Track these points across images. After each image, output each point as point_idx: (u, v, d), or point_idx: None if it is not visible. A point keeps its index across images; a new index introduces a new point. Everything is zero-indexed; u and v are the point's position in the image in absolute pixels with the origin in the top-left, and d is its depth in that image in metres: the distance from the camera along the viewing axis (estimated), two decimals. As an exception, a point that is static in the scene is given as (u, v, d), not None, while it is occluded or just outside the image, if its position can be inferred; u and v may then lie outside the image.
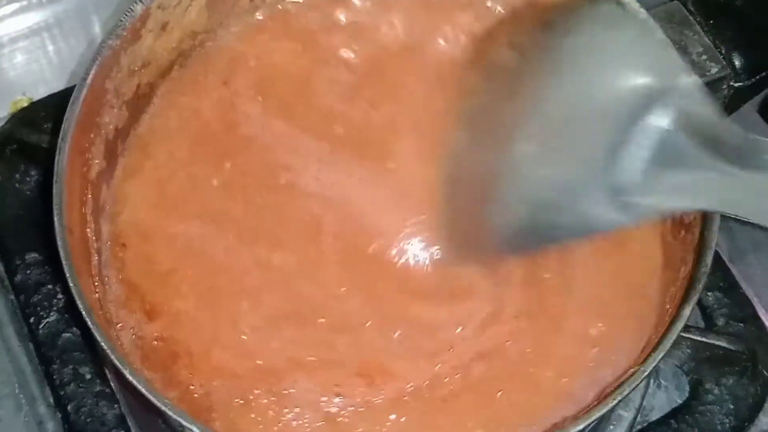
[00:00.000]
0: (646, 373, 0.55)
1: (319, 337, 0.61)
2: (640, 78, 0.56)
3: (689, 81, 0.55)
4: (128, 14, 0.62)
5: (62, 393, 0.69)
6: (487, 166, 0.62)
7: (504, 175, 0.61)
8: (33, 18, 0.87)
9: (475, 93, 0.66)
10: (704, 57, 0.68)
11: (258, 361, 0.60)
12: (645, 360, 0.55)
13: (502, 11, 0.70)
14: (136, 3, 0.62)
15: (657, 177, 0.55)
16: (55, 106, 0.72)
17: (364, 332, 0.62)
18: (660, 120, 0.55)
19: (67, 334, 0.70)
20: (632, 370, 0.56)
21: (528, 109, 0.60)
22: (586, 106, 0.58)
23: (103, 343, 0.53)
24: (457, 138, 0.66)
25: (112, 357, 0.53)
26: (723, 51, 0.68)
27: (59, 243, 0.55)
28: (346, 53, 0.70)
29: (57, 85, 0.84)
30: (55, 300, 0.71)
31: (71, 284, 0.54)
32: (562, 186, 0.58)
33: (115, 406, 0.68)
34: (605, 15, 0.61)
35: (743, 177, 0.53)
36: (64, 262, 0.54)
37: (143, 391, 0.52)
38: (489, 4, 0.71)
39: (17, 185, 0.75)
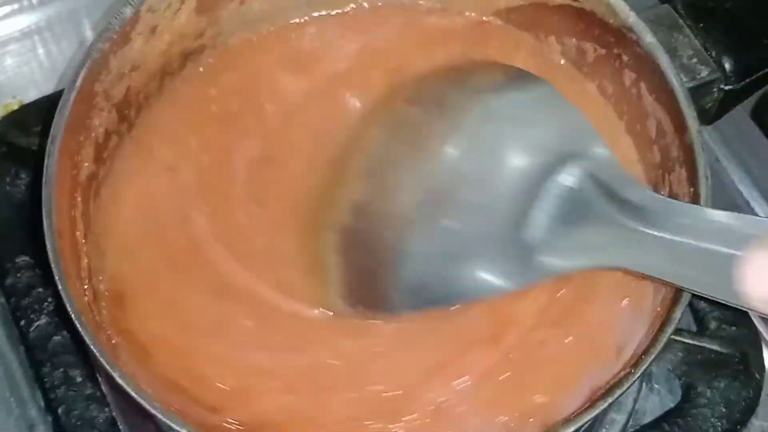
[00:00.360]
0: (637, 376, 0.55)
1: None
2: (550, 139, 0.58)
3: (600, 149, 0.57)
4: (118, 17, 0.61)
5: (53, 396, 0.69)
6: (388, 220, 0.61)
7: (406, 229, 0.60)
8: (24, 21, 0.87)
9: (375, 147, 0.64)
10: (694, 60, 0.68)
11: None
12: (636, 363, 0.55)
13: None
14: (125, 6, 0.62)
15: (566, 235, 0.56)
16: (45, 109, 0.72)
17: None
18: (567, 178, 0.56)
19: (58, 337, 0.70)
20: (623, 373, 0.55)
21: (433, 165, 0.60)
22: (494, 163, 0.59)
23: (92, 347, 0.53)
24: (360, 188, 0.63)
25: (102, 360, 0.53)
26: (713, 54, 0.68)
27: (48, 247, 0.55)
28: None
29: (48, 88, 0.84)
30: (45, 303, 0.71)
31: (60, 288, 0.54)
32: (468, 241, 0.58)
33: (106, 409, 0.68)
34: (515, 77, 0.62)
35: (655, 238, 0.54)
36: (53, 266, 0.54)
37: (133, 394, 0.52)
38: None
39: (7, 188, 0.75)
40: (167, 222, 0.64)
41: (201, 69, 0.69)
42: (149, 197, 0.64)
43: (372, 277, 0.61)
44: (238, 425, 0.58)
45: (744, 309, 0.53)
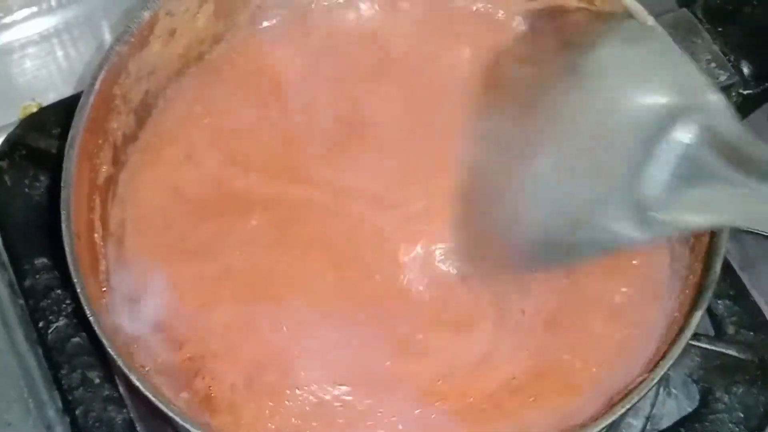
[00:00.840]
0: (655, 381, 0.54)
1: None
2: (664, 94, 0.56)
3: (714, 97, 0.55)
4: (136, 20, 0.62)
5: (70, 398, 0.69)
6: (507, 182, 0.62)
7: (525, 190, 0.61)
8: (43, 24, 0.88)
9: (493, 109, 0.66)
10: (713, 65, 0.67)
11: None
12: (654, 368, 0.55)
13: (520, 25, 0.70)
14: (144, 9, 0.62)
15: (680, 192, 0.55)
16: (63, 111, 0.72)
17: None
18: (683, 135, 0.54)
19: (76, 339, 0.70)
20: (641, 378, 0.55)
21: (549, 125, 0.60)
22: (608, 122, 0.58)
23: (110, 349, 0.53)
24: (476, 154, 0.65)
25: (120, 363, 0.53)
26: (731, 59, 0.68)
27: (67, 249, 0.55)
28: (355, 60, 0.69)
29: (66, 91, 0.84)
30: (63, 305, 0.71)
31: (79, 290, 0.54)
32: (584, 201, 0.58)
33: (124, 410, 0.68)
34: (627, 31, 0.61)
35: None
36: (71, 268, 0.54)
37: (151, 397, 0.52)
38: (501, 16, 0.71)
39: (26, 190, 0.75)
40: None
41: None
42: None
43: (495, 232, 0.63)
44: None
45: None
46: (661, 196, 0.55)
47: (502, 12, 0.70)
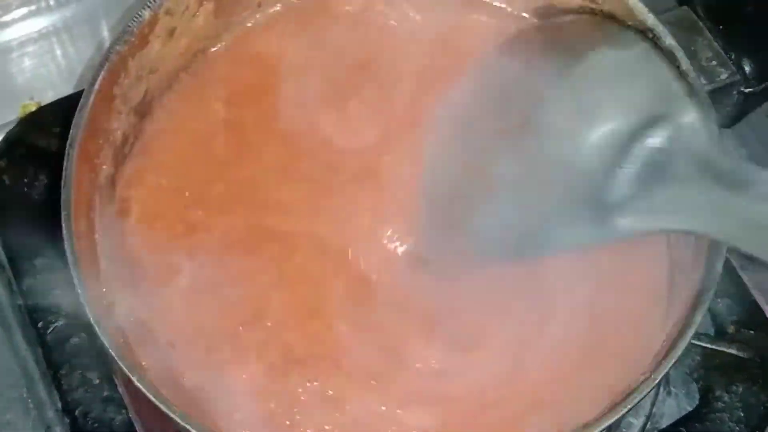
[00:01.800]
0: (656, 382, 0.54)
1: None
2: (639, 100, 0.58)
3: (690, 106, 0.57)
4: (136, 20, 0.61)
5: (70, 398, 0.69)
6: (480, 172, 0.62)
7: (496, 182, 0.61)
8: (42, 22, 0.87)
9: (472, 99, 0.66)
10: (714, 63, 0.67)
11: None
12: (656, 368, 0.55)
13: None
14: (143, 8, 0.62)
15: (647, 197, 0.56)
16: (63, 110, 0.72)
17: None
18: (656, 141, 0.56)
19: (75, 339, 0.70)
20: (642, 377, 0.55)
21: (526, 119, 0.61)
22: (585, 120, 0.59)
23: (112, 351, 0.53)
24: (450, 142, 0.65)
25: (122, 365, 0.53)
26: (733, 57, 0.67)
27: (67, 249, 0.55)
28: (348, 50, 0.70)
29: (65, 89, 0.84)
30: (63, 305, 0.71)
31: (79, 291, 0.54)
32: (555, 197, 0.59)
33: (123, 411, 0.68)
34: (614, 39, 0.62)
35: (739, 204, 0.53)
36: (72, 269, 0.54)
37: (152, 398, 0.52)
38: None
39: (26, 189, 0.75)
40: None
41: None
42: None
43: (458, 225, 0.63)
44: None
45: None
46: (627, 199, 0.56)
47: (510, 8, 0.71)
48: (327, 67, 0.69)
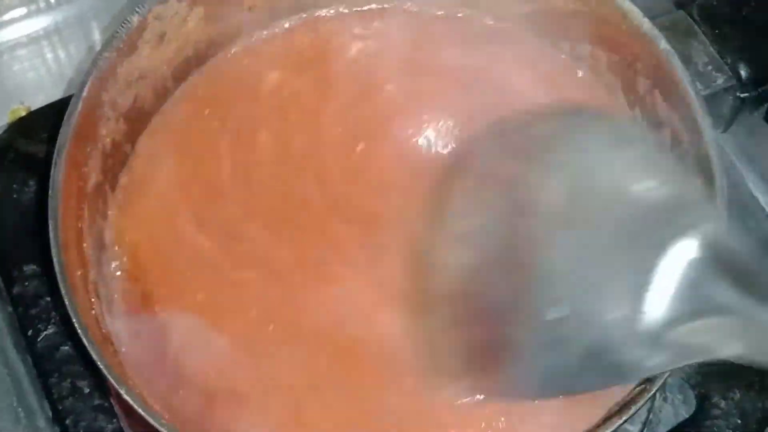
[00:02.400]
0: (652, 392, 0.54)
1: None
2: (659, 209, 0.51)
3: (712, 211, 0.51)
4: (125, 25, 0.61)
5: (60, 407, 0.68)
6: (494, 297, 0.55)
7: (513, 310, 0.54)
8: (32, 26, 0.87)
9: (473, 203, 0.60)
10: (710, 67, 0.67)
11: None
12: (652, 378, 0.54)
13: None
14: (132, 14, 0.61)
15: (683, 319, 0.49)
16: (52, 115, 0.71)
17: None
18: (683, 254, 0.49)
19: (66, 347, 0.69)
20: (639, 388, 0.55)
21: (539, 234, 0.54)
22: (606, 235, 0.52)
23: (99, 362, 0.53)
24: (457, 256, 0.59)
25: (109, 376, 0.52)
26: (728, 61, 0.67)
27: (55, 260, 0.54)
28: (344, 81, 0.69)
29: (56, 94, 0.83)
30: (53, 312, 0.70)
31: (67, 302, 0.54)
32: (582, 331, 0.52)
33: (114, 420, 0.67)
34: (609, 133, 0.56)
35: None
36: (59, 280, 0.54)
37: (140, 411, 0.52)
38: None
39: (15, 196, 0.74)
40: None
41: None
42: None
43: (496, 359, 0.56)
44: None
45: None
46: (664, 322, 0.49)
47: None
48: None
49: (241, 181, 0.65)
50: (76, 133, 0.58)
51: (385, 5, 0.70)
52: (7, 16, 0.86)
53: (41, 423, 0.70)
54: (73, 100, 0.58)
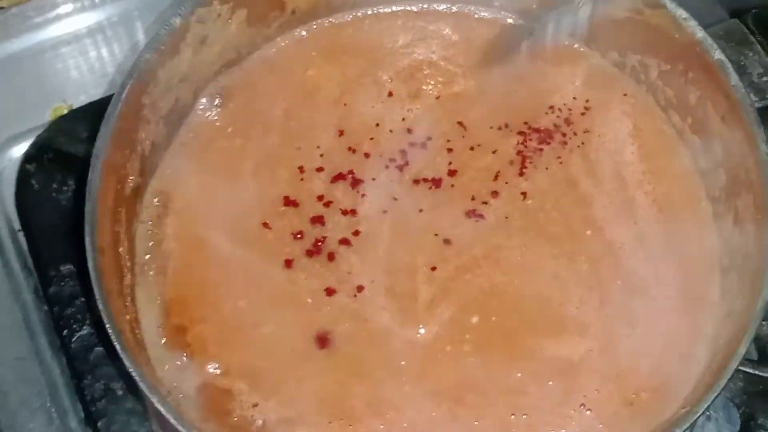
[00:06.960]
0: (698, 415, 0.52)
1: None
2: None
3: None
4: (166, 28, 0.60)
5: (93, 409, 0.68)
6: None
7: None
8: (76, 23, 0.86)
9: None
10: (765, 79, 0.65)
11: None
12: (698, 401, 0.53)
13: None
14: (174, 16, 0.60)
15: None
16: (93, 114, 0.71)
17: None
18: None
19: (100, 349, 0.69)
20: (683, 410, 0.53)
21: None
22: None
23: (131, 369, 0.52)
24: None
25: (140, 383, 0.51)
26: (785, 73, 0.65)
27: (90, 264, 0.54)
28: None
29: (97, 93, 0.83)
30: (88, 313, 0.70)
31: (101, 307, 0.53)
32: None
33: (146, 424, 0.67)
34: None
35: None
36: (94, 286, 0.53)
37: (172, 420, 0.51)
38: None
39: (54, 195, 0.74)
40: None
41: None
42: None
43: None
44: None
45: None
46: None
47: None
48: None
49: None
50: (115, 136, 0.57)
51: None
52: (51, 14, 0.86)
53: (73, 424, 0.69)
54: (112, 101, 0.58)
